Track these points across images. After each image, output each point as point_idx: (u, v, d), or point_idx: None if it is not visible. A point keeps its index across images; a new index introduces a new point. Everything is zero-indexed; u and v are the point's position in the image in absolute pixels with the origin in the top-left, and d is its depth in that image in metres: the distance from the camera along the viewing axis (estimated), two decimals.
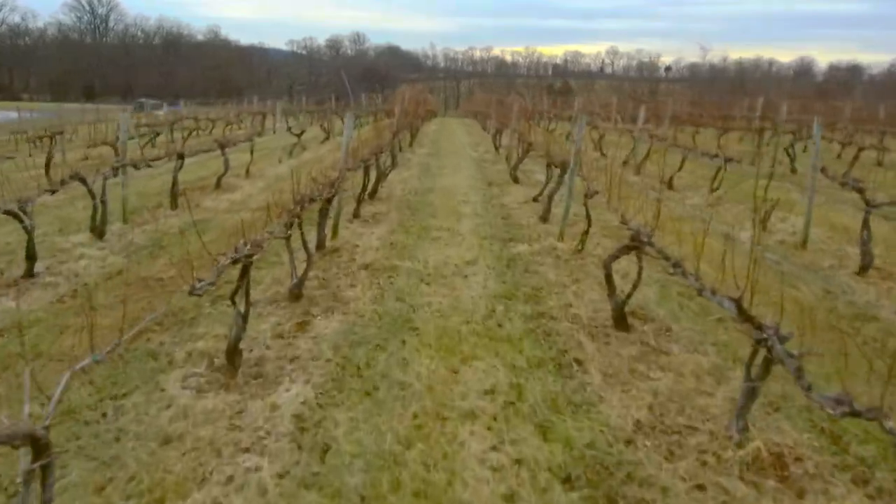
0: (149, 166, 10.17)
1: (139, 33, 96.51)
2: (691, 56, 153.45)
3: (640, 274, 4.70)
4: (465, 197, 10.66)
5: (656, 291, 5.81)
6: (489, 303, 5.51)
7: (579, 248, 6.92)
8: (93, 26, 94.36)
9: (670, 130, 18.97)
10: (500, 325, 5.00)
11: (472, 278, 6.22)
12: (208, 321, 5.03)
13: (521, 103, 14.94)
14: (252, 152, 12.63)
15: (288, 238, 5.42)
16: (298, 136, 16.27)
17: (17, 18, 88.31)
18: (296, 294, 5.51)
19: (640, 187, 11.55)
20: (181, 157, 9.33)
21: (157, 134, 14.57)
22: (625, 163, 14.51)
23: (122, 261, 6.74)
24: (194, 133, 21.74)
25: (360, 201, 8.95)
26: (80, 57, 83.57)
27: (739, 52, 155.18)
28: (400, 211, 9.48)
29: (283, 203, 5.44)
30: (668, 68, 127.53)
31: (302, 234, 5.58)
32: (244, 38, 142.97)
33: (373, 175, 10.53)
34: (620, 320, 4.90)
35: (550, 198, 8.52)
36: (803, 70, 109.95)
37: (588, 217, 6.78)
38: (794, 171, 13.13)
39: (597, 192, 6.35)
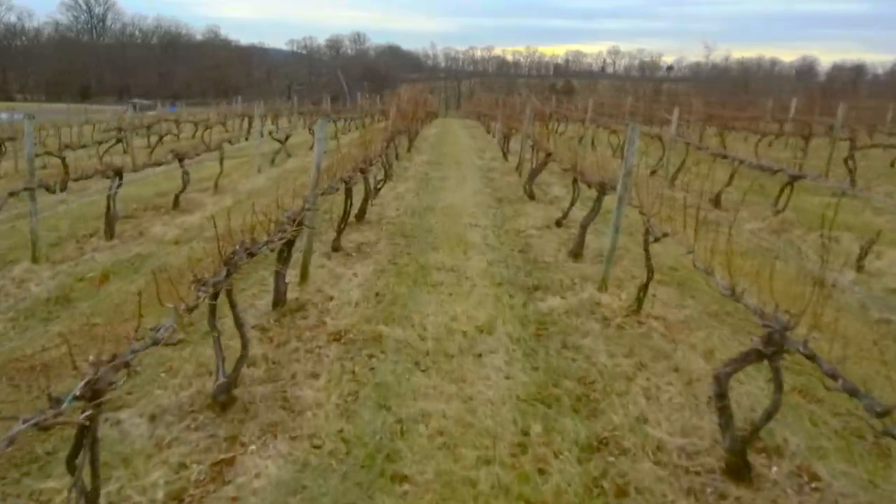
0: (95, 180, 8.24)
1: (137, 33, 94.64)
2: (693, 55, 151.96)
3: (778, 399, 2.77)
4: (472, 219, 8.71)
5: (763, 385, 3.87)
6: (518, 415, 3.57)
7: (635, 307, 4.97)
8: (90, 26, 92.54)
9: (695, 134, 17.05)
10: (541, 472, 3.06)
11: (488, 359, 4.29)
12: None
13: (534, 105, 12.95)
14: (222, 162, 10.68)
15: (212, 314, 3.53)
16: (283, 141, 14.33)
17: (13, 18, 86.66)
18: (223, 401, 3.57)
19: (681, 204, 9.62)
20: (118, 174, 7.40)
21: (119, 140, 12.65)
22: (653, 172, 12.57)
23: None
24: (168, 137, 19.84)
25: (340, 230, 7.01)
26: (75, 56, 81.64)
27: (739, 51, 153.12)
28: (392, 239, 7.54)
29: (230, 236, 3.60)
30: (669, 67, 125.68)
31: (234, 310, 3.65)
32: (244, 38, 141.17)
33: (358, 194, 8.62)
34: (739, 466, 2.97)
35: (585, 228, 6.57)
36: (805, 69, 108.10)
37: (650, 267, 4.84)
38: (854, 183, 11.14)
39: (666, 235, 4.41)
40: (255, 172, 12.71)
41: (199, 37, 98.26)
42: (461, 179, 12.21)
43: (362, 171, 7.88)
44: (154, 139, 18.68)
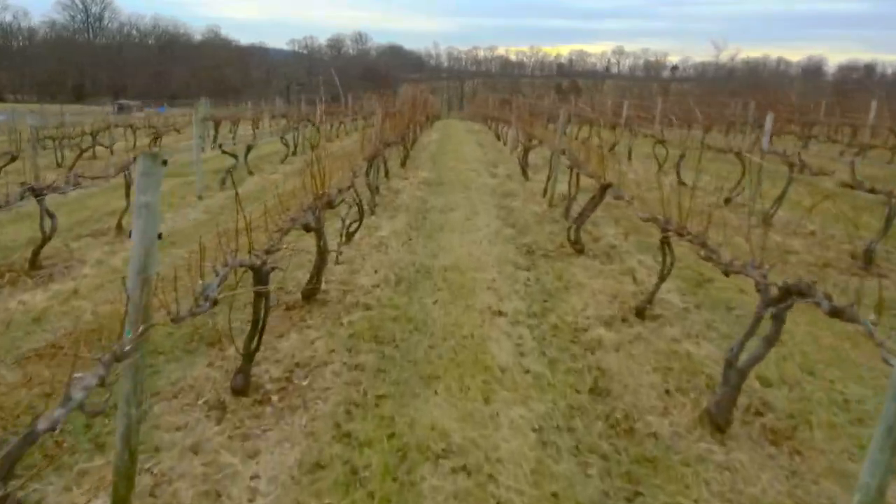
0: None
1: (134, 32, 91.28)
2: (698, 55, 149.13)
3: None
4: (493, 297, 5.29)
5: None
6: None
7: None
8: (86, 25, 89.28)
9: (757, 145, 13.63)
10: None
11: None
12: None
13: (572, 108, 9.47)
14: (128, 192, 7.30)
15: None
16: (237, 155, 10.94)
17: (8, 17, 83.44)
18: None
19: (801, 259, 6.24)
20: None
21: (14, 158, 9.29)
22: (727, 201, 9.18)
23: None
24: (120, 144, 16.52)
25: (251, 352, 3.62)
26: (70, 56, 78.31)
27: (742, 51, 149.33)
28: (355, 353, 4.15)
29: None
30: (674, 67, 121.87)
31: None
32: (245, 39, 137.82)
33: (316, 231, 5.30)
34: None
35: (743, 374, 3.14)
36: (812, 69, 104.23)
37: None
38: None
39: None
40: (194, 200, 9.33)
41: (198, 36, 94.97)
42: (471, 211, 8.77)
43: (308, 229, 4.51)
44: (103, 149, 15.35)
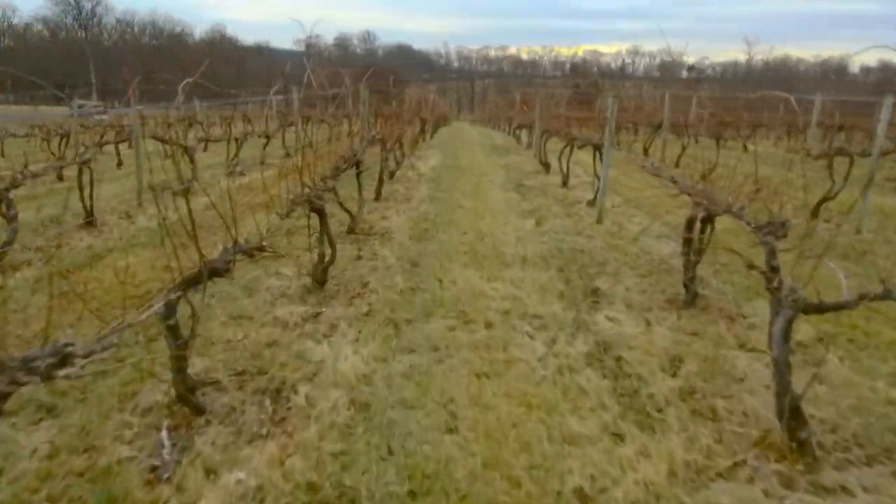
0: None
1: (128, 30, 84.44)
2: (713, 55, 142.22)
3: None
4: None
5: None
6: None
7: None
8: (78, 22, 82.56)
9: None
10: None
11: None
12: None
13: None
14: None
15: None
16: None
17: None
18: None
19: None
20: None
21: None
22: None
23: None
24: None
25: None
26: (55, 53, 71.93)
27: (774, 50, 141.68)
28: None
29: None
30: (691, 67, 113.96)
31: None
32: (251, 39, 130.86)
33: None
34: None
35: None
36: (834, 69, 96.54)
37: None
38: None
39: None
40: None
41: (198, 35, 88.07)
42: None
43: None
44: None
